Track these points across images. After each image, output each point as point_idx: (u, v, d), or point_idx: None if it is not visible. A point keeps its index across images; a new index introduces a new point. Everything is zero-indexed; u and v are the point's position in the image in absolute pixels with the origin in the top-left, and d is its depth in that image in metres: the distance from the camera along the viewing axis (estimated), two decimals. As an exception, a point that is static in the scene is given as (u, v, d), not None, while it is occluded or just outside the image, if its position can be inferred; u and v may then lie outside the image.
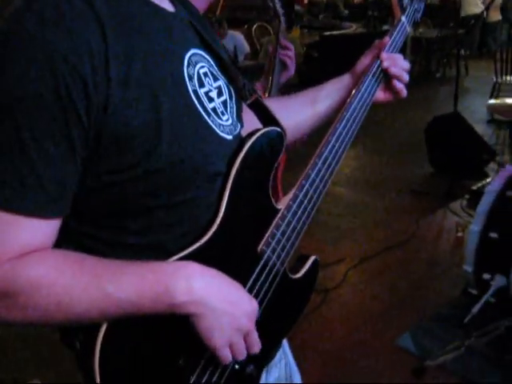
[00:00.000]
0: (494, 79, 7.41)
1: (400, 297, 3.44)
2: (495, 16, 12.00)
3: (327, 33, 9.79)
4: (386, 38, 1.30)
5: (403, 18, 1.35)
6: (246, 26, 10.07)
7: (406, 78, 1.29)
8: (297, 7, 13.58)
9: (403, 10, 1.36)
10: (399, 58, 1.29)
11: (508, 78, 7.41)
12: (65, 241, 0.87)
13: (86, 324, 0.86)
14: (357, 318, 3.26)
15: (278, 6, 2.18)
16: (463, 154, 5.13)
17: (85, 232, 0.90)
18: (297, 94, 1.33)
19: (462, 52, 8.98)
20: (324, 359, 2.89)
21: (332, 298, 3.45)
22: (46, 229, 0.82)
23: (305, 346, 2.92)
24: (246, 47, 7.96)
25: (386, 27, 10.58)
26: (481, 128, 6.29)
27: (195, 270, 0.88)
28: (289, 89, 2.12)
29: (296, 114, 1.28)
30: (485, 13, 10.07)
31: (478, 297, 2.96)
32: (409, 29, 1.36)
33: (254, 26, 10.13)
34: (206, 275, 0.89)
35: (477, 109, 7.48)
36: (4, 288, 0.80)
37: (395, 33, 1.32)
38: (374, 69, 1.26)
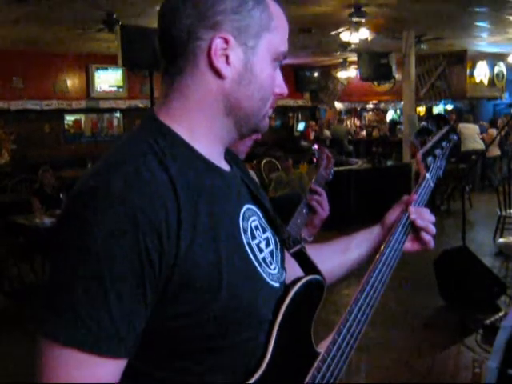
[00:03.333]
0: (499, 213, 7.47)
1: None
2: (494, 151, 12.45)
3: (335, 168, 10.11)
4: (413, 195, 1.38)
5: (428, 176, 1.44)
6: (254, 162, 10.40)
7: (433, 230, 1.35)
8: (303, 143, 14.14)
9: (427, 167, 1.45)
10: (426, 211, 1.36)
11: (512, 211, 7.52)
12: (125, 376, 0.93)
13: None
14: None
15: (322, 160, 2.33)
16: (474, 288, 5.15)
17: (143, 369, 0.97)
18: (330, 242, 1.43)
19: (466, 188, 9.21)
20: None
21: None
22: (116, 368, 0.91)
23: None
24: (257, 183, 8.19)
25: (390, 163, 10.96)
26: (489, 261, 6.36)
27: None
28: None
29: (329, 260, 1.36)
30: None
31: None
32: (432, 185, 1.45)
33: (263, 162, 10.49)
34: None
35: (483, 242, 7.57)
36: None
37: (421, 189, 1.41)
38: (403, 221, 1.33)
